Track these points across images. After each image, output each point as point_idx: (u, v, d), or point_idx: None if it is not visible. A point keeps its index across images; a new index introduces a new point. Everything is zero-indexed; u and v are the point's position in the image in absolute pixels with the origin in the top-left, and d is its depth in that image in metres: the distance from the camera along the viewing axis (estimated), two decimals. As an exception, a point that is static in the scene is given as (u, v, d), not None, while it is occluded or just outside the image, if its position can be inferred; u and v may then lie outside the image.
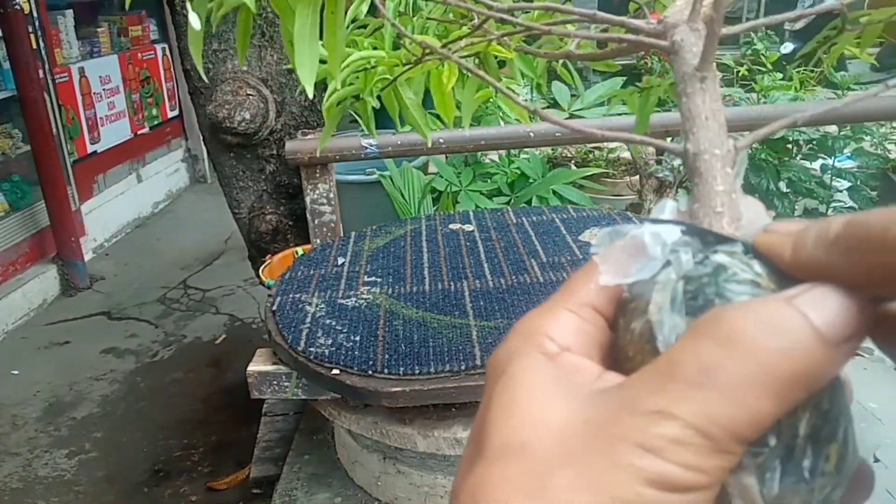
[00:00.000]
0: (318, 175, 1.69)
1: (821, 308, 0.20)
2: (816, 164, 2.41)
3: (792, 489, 0.21)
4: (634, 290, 0.24)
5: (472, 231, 1.50)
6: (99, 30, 4.10)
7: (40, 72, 3.31)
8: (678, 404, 0.20)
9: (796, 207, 2.37)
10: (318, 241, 1.71)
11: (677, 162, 2.37)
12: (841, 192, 2.41)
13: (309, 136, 1.74)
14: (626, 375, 0.22)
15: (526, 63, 0.68)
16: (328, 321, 1.16)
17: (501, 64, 0.65)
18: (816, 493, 0.21)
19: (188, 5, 0.46)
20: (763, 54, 2.70)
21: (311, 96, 0.48)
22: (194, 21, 0.39)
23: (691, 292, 0.22)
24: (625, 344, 0.23)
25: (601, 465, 0.20)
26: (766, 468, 0.20)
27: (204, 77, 0.58)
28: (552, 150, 2.89)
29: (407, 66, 0.59)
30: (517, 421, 0.22)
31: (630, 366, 0.23)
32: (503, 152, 2.50)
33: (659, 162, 2.43)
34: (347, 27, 0.57)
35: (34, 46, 3.29)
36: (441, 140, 1.65)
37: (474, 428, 0.24)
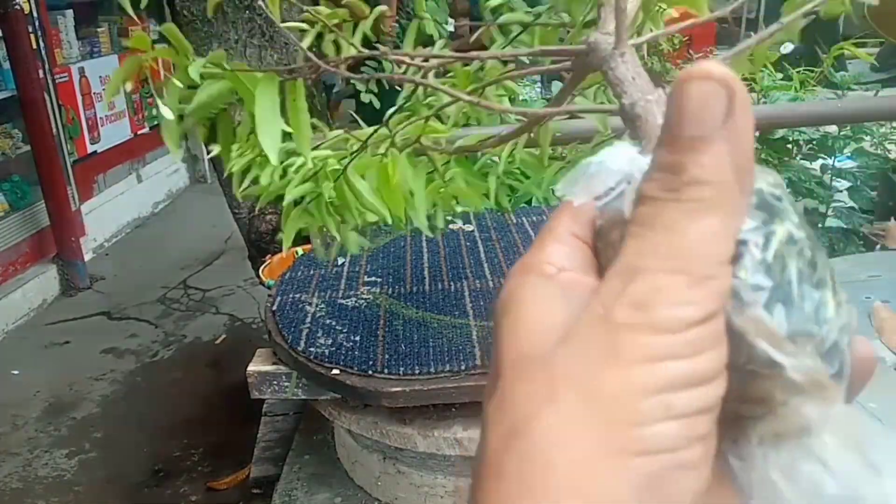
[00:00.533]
0: (318, 175, 1.69)
1: None
2: (816, 164, 2.40)
3: (802, 330, 0.22)
4: (606, 211, 0.25)
5: (472, 231, 1.50)
6: (99, 30, 4.10)
7: (40, 72, 3.31)
8: (644, 259, 0.21)
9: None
10: (318, 241, 1.71)
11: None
12: (841, 192, 2.40)
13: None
14: None
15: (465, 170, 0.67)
16: (328, 321, 1.16)
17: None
18: (827, 338, 0.22)
19: (158, 101, 0.47)
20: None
21: (274, 163, 0.48)
22: (167, 112, 0.40)
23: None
24: (607, 258, 0.25)
25: (603, 344, 0.20)
26: (771, 306, 0.21)
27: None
28: (552, 150, 2.88)
29: (352, 156, 0.58)
30: (525, 332, 0.23)
31: None
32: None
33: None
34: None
35: (34, 46, 3.29)
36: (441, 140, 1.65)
37: (491, 360, 0.25)
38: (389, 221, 0.63)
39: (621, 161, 0.25)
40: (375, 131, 0.56)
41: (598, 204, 0.25)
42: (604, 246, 0.25)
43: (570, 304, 0.23)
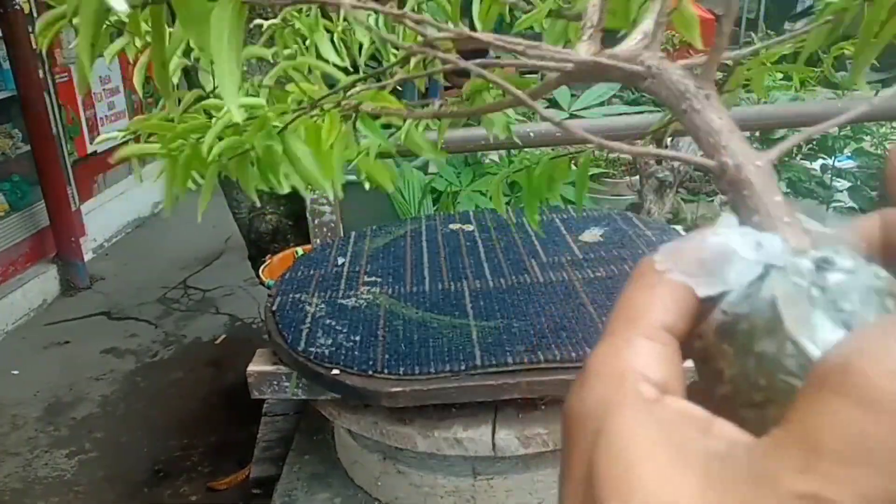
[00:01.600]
0: (318, 175, 1.69)
1: None
2: (816, 164, 2.41)
3: None
4: (734, 305, 0.21)
5: (472, 231, 1.50)
6: (99, 30, 4.10)
7: (40, 72, 3.31)
8: (830, 486, 0.17)
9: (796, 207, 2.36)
10: (318, 241, 1.71)
11: (677, 162, 2.37)
12: (841, 192, 2.41)
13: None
14: (740, 418, 0.19)
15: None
16: (328, 321, 1.16)
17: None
18: None
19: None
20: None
21: (238, 120, 0.40)
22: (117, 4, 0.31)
23: (833, 303, 0.19)
24: (742, 374, 0.20)
25: None
26: None
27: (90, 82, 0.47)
28: (552, 149, 2.88)
29: (296, 113, 0.51)
30: (643, 495, 0.19)
31: (749, 399, 0.20)
32: (503, 152, 2.50)
33: (659, 162, 2.43)
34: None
35: (34, 46, 3.29)
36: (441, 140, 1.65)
37: (571, 491, 0.20)
38: (317, 192, 0.58)
39: (748, 245, 0.21)
40: (331, 94, 0.51)
41: (728, 288, 0.21)
42: (737, 353, 0.21)
43: (684, 460, 0.19)
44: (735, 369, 0.21)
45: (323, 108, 0.51)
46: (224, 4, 0.37)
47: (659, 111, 2.26)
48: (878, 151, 2.47)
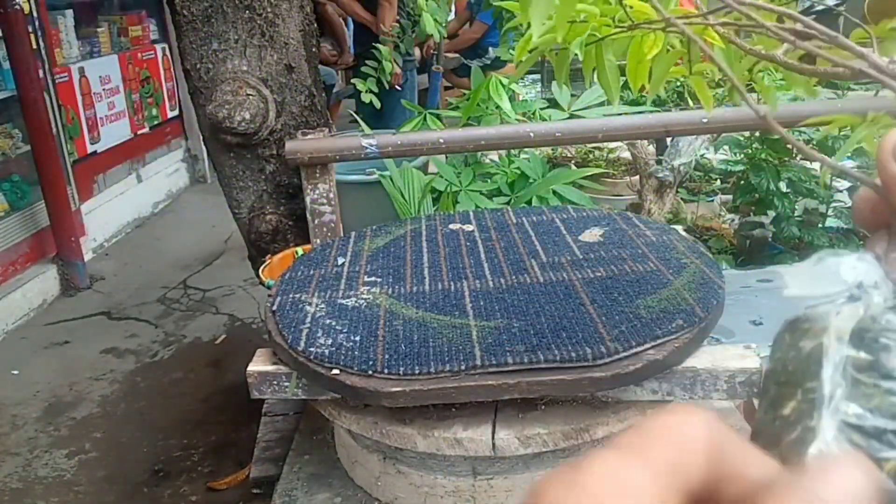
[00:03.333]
0: (318, 175, 1.69)
1: None
2: (816, 164, 2.40)
3: None
4: (812, 312, 0.23)
5: (472, 231, 1.50)
6: (99, 30, 4.10)
7: (40, 72, 3.31)
8: None
9: (796, 207, 2.37)
10: (318, 241, 1.71)
11: (677, 162, 2.37)
12: (841, 192, 2.41)
13: (309, 136, 1.74)
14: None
15: (728, 57, 0.65)
16: (328, 321, 1.16)
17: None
18: None
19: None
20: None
21: (535, 40, 0.50)
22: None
23: (872, 333, 0.21)
24: (782, 372, 0.22)
25: None
26: None
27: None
28: (552, 149, 2.88)
29: (618, 29, 0.59)
30: None
31: (765, 447, 0.21)
32: (503, 152, 2.50)
33: (659, 162, 2.43)
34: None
35: (34, 46, 3.29)
36: (441, 140, 1.65)
37: None
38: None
39: (860, 271, 0.23)
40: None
41: (812, 294, 0.23)
42: (789, 345, 0.23)
43: None
44: (780, 362, 0.22)
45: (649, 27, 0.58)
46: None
47: (659, 111, 2.26)
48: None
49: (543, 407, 1.08)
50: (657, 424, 0.21)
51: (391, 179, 2.24)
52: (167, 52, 4.72)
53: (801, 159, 2.41)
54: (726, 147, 2.62)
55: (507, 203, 2.30)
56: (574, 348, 1.01)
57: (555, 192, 2.25)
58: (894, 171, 0.22)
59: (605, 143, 3.01)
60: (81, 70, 3.85)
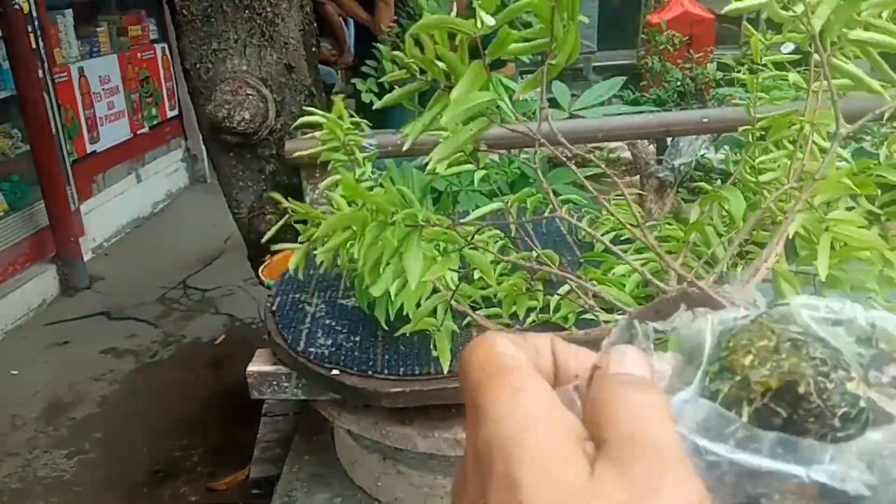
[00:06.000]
0: (318, 175, 1.69)
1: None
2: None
3: None
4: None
5: (472, 231, 1.49)
6: (98, 29, 4.10)
7: (40, 72, 3.31)
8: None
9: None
10: (318, 241, 1.71)
11: (678, 162, 2.36)
12: (841, 192, 2.40)
13: (309, 137, 1.74)
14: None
15: None
16: (328, 321, 1.16)
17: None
18: None
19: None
20: (764, 54, 2.69)
21: (413, 288, 0.60)
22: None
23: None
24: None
25: None
26: None
27: None
28: (555, 149, 2.87)
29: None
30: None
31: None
32: (503, 152, 2.49)
33: (659, 162, 2.43)
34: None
35: (34, 46, 3.29)
36: (441, 140, 1.65)
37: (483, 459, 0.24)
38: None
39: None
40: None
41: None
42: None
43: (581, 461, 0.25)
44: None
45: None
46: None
47: (659, 111, 2.26)
48: (878, 151, 2.46)
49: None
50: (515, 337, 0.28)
51: (391, 179, 2.24)
52: (167, 52, 4.71)
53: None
54: (726, 147, 2.62)
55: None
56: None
57: (555, 192, 2.24)
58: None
59: (605, 143, 3.01)
60: (81, 70, 3.85)
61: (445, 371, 1.00)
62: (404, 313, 0.95)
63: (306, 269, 1.38)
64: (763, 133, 0.88)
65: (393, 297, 0.89)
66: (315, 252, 0.95)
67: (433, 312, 0.90)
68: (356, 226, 0.67)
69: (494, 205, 1.19)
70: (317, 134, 1.20)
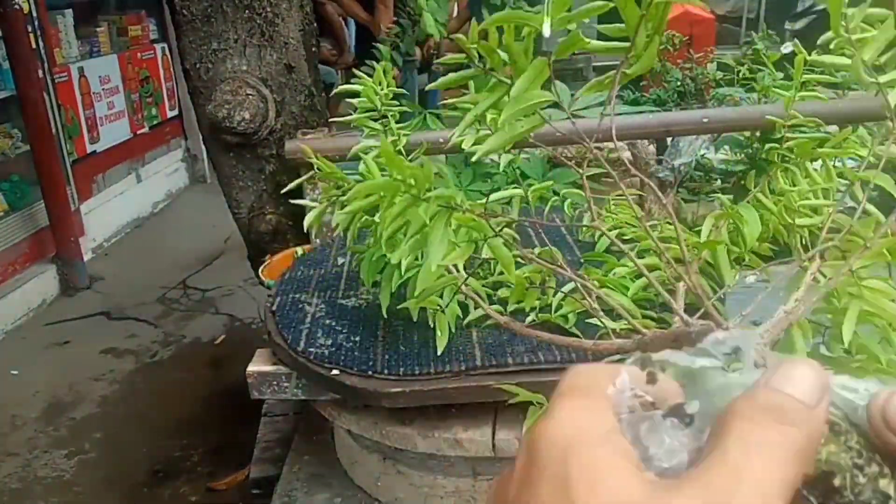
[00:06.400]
0: (318, 175, 1.69)
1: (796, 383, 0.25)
2: (817, 164, 2.40)
3: None
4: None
5: (472, 231, 1.49)
6: (98, 29, 4.09)
7: (40, 71, 3.31)
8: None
9: (796, 207, 2.36)
10: (318, 241, 1.71)
11: (678, 162, 2.36)
12: (841, 192, 2.40)
13: (309, 136, 1.74)
14: None
15: None
16: (328, 321, 1.16)
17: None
18: None
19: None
20: (764, 54, 2.69)
21: (434, 270, 0.60)
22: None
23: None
24: None
25: None
26: None
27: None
28: (552, 150, 2.88)
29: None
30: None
31: None
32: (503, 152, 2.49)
33: (659, 162, 2.43)
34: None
35: (33, 46, 3.28)
36: (441, 140, 1.65)
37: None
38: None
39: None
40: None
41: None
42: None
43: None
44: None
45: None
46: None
47: (659, 111, 2.26)
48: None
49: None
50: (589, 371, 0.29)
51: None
52: (167, 52, 4.71)
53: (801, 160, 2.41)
54: (726, 147, 2.62)
55: (508, 203, 2.29)
56: (574, 349, 1.01)
57: (555, 192, 2.24)
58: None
59: (605, 143, 3.01)
60: (81, 70, 3.84)
61: (440, 351, 0.99)
62: (406, 300, 0.95)
63: (306, 270, 1.38)
64: (768, 136, 0.88)
65: (403, 273, 0.91)
66: (330, 213, 0.98)
67: (439, 294, 0.90)
68: (387, 193, 0.68)
69: (516, 191, 1.20)
70: (353, 99, 1.24)
